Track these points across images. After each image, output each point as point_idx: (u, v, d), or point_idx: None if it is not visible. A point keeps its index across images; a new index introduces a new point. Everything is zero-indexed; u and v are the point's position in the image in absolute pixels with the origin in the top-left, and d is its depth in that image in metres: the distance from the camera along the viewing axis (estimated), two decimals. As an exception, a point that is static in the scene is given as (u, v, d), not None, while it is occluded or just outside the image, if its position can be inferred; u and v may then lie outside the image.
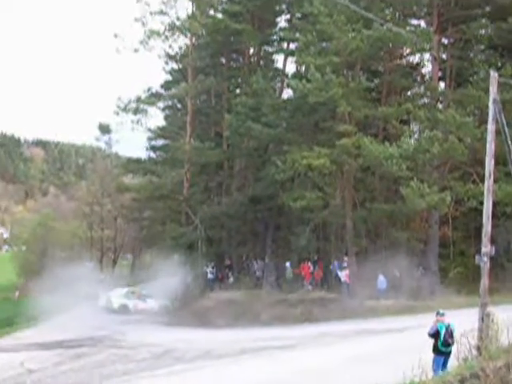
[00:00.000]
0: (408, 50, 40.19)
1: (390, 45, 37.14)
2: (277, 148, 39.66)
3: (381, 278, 33.88)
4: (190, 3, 46.75)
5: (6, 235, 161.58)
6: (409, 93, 42.76)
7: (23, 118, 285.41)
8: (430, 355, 14.61)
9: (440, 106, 37.45)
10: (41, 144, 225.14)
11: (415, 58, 42.51)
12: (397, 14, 39.61)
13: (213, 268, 45.18)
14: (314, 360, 19.61)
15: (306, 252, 40.45)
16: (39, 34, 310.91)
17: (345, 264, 36.64)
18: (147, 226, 62.94)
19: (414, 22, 40.31)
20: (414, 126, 40.40)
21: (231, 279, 44.19)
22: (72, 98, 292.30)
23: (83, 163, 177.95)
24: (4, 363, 23.02)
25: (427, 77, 40.72)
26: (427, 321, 16.08)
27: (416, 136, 37.98)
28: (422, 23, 39.98)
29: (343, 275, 36.19)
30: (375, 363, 17.41)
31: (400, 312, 30.22)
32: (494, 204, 17.63)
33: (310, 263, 39.27)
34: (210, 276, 44.84)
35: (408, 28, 36.46)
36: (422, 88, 41.21)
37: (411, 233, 36.50)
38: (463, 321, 14.66)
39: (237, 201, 44.13)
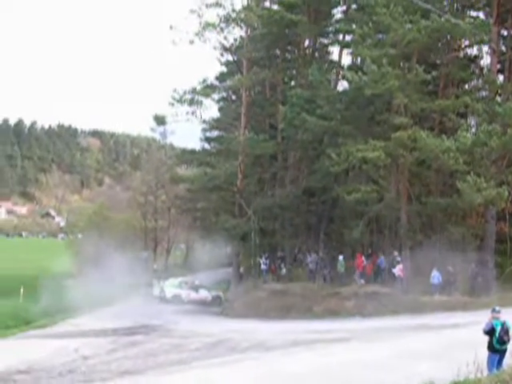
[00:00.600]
0: (466, 42, 39.50)
1: (448, 36, 36.59)
2: (331, 140, 39.46)
3: (435, 272, 33.45)
4: (246, -5, 46.84)
5: (62, 223, 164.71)
6: (466, 85, 42.06)
7: (80, 108, 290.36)
8: (484, 353, 14.39)
9: (499, 98, 36.66)
10: (97, 134, 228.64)
11: (473, 50, 41.69)
12: (455, 5, 38.99)
13: (266, 259, 45.26)
14: (367, 354, 19.51)
15: (359, 245, 40.25)
16: (98, 25, 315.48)
17: (398, 258, 36.30)
18: (201, 216, 63.45)
19: (473, 13, 39.62)
20: (472, 120, 39.70)
21: (283, 271, 44.23)
22: (128, 89, 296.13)
23: (138, 154, 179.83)
24: (59, 349, 23.43)
25: (485, 69, 39.92)
26: (482, 317, 15.84)
27: (473, 129, 37.29)
28: (481, 14, 39.25)
29: (397, 270, 35.88)
30: (429, 359, 17.25)
31: (454, 308, 29.82)
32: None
33: (363, 257, 38.93)
34: (263, 267, 44.95)
35: (466, 19, 35.73)
36: (481, 81, 40.47)
37: (467, 228, 35.88)
38: (519, 318, 14.41)
39: (290, 193, 44.11)
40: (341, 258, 39.32)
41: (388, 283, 35.67)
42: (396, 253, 37.00)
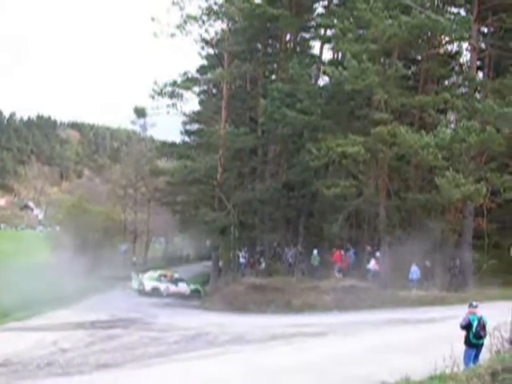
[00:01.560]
0: (446, 39, 39.70)
1: (429, 32, 36.78)
2: (311, 135, 39.55)
3: (414, 267, 33.71)
4: (228, -12, 46.71)
5: (40, 216, 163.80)
6: (446, 82, 42.37)
7: (59, 100, 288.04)
8: (461, 347, 14.53)
9: (478, 95, 36.95)
10: (76, 126, 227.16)
11: (453, 47, 42.01)
12: (436, 2, 39.19)
13: (245, 253, 45.28)
14: (344, 347, 19.64)
15: (338, 240, 40.40)
16: (78, 15, 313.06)
17: (377, 254, 36.52)
18: (180, 209, 63.41)
19: (454, 9, 39.87)
20: (451, 116, 39.98)
21: (263, 265, 44.30)
22: (108, 81, 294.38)
23: (118, 146, 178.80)
24: (37, 342, 23.35)
25: (465, 66, 40.24)
26: (459, 312, 15.99)
27: (453, 126, 37.54)
28: (462, 11, 39.53)
29: (372, 264, 36.13)
30: (406, 353, 17.39)
31: (432, 303, 30.08)
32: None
33: (342, 251, 39.11)
34: (242, 260, 44.97)
35: (447, 16, 35.99)
36: (460, 77, 40.76)
37: (445, 223, 36.16)
38: (496, 313, 14.53)
39: (270, 187, 44.17)
40: (315, 252, 39.54)
41: (365, 278, 35.88)
42: (369, 247, 37.21)
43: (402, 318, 26.26)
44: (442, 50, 40.80)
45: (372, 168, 36.88)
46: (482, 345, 14.82)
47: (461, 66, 41.64)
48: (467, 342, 14.83)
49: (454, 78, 41.90)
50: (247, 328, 25.97)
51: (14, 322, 29.65)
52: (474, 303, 15.31)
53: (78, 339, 24.19)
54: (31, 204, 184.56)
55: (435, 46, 39.35)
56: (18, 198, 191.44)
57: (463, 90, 39.42)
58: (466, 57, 40.72)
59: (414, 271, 33.77)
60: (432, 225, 35.83)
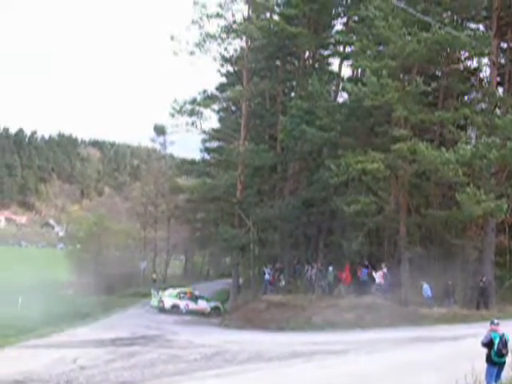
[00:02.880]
0: (466, 54, 39.55)
1: (448, 49, 36.64)
2: (331, 152, 39.50)
3: (424, 285, 33.51)
4: (247, 6, 47.02)
5: (61, 233, 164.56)
6: (466, 98, 42.12)
7: (80, 118, 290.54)
8: (483, 365, 14.36)
9: (498, 111, 36.73)
10: (97, 144, 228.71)
11: (473, 63, 41.80)
12: (455, 18, 39.10)
13: (271, 270, 44.86)
14: (365, 365, 19.48)
15: (358, 257, 40.19)
16: (99, 34, 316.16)
17: (384, 269, 36.35)
18: (200, 227, 63.54)
19: (473, 25, 39.73)
20: (472, 132, 39.72)
21: (283, 282, 44.10)
22: (129, 100, 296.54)
23: (138, 164, 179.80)
24: (57, 359, 23.39)
25: (485, 82, 40.00)
26: (481, 330, 15.82)
27: (473, 142, 37.32)
28: (481, 27, 39.39)
29: (378, 276, 35.96)
30: (427, 371, 17.21)
31: (453, 320, 29.79)
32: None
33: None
34: (266, 277, 44.50)
35: (466, 32, 35.87)
36: (480, 93, 40.51)
37: (467, 240, 35.83)
38: (518, 331, 14.38)
39: (290, 204, 44.07)
40: (330, 269, 39.44)
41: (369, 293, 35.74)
42: (383, 265, 37.01)
43: (424, 335, 26.03)
44: (461, 66, 40.64)
45: (392, 184, 36.68)
46: (504, 363, 14.66)
47: (480, 81, 41.40)
48: (489, 359, 14.67)
49: (473, 94, 41.61)
50: (267, 346, 25.87)
51: (35, 339, 29.74)
52: (496, 321, 15.17)
53: (98, 356, 24.20)
54: (52, 222, 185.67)
55: (455, 61, 39.19)
56: (39, 215, 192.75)
57: (483, 105, 39.12)
58: (485, 72, 40.46)
59: (426, 289, 33.57)
60: (453, 241, 35.58)
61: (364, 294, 35.65)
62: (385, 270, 36.06)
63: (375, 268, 37.12)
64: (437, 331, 27.20)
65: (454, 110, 35.17)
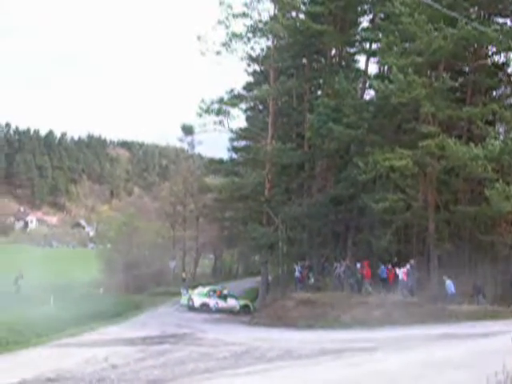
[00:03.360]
0: (493, 49, 39.28)
1: (475, 44, 36.42)
2: (358, 149, 39.46)
3: (447, 281, 33.33)
4: (272, 5, 47.10)
5: (91, 233, 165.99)
6: (494, 93, 41.82)
7: (109, 119, 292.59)
8: (514, 362, 14.27)
9: (527, 106, 36.47)
10: (126, 145, 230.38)
11: (501, 57, 41.47)
12: (482, 13, 38.84)
13: (301, 267, 44.87)
14: (394, 363, 19.41)
15: (387, 254, 40.09)
16: (127, 36, 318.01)
17: (407, 265, 36.24)
18: (228, 226, 63.76)
19: (500, 20, 39.41)
20: (500, 127, 39.43)
21: (311, 280, 44.13)
22: (157, 100, 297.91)
23: (167, 164, 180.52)
24: (89, 358, 23.58)
25: (513, 76, 39.75)
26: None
27: (502, 137, 37.04)
28: (508, 21, 39.08)
29: (401, 272, 35.85)
30: (457, 368, 17.12)
31: (483, 317, 29.55)
32: None
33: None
34: (297, 274, 44.47)
35: (493, 27, 35.59)
36: (508, 88, 40.23)
37: (496, 236, 35.59)
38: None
39: (317, 202, 44.10)
40: (358, 265, 39.42)
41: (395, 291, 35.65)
42: (412, 261, 36.88)
43: (453, 332, 25.87)
44: (489, 61, 40.33)
45: (420, 181, 36.55)
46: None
47: (508, 76, 41.04)
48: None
49: (501, 89, 41.32)
50: (296, 343, 25.89)
51: (67, 338, 30.03)
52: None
53: (129, 355, 24.38)
54: (82, 222, 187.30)
55: (482, 57, 38.91)
56: (70, 216, 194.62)
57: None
58: (513, 67, 40.24)
59: (449, 285, 33.38)
60: (482, 238, 35.36)
61: (386, 291, 35.71)
62: (408, 267, 35.96)
63: (398, 265, 37.04)
64: (466, 328, 27.00)
65: (482, 106, 34.96)
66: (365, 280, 38.53)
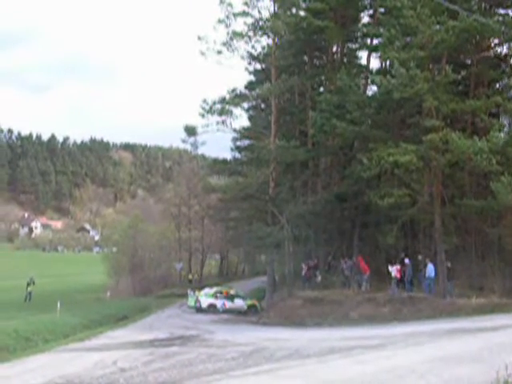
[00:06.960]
0: (496, 41, 39.06)
1: (477, 36, 36.21)
2: (362, 145, 39.31)
3: (429, 265, 33.50)
4: (272, 3, 46.90)
5: (96, 237, 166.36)
6: (497, 85, 41.59)
7: (111, 122, 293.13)
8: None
9: (531, 97, 36.23)
10: (129, 147, 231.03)
11: (503, 49, 41.21)
12: (483, 4, 38.65)
13: (307, 265, 44.63)
14: (404, 359, 19.30)
15: (393, 250, 39.95)
16: (128, 37, 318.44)
17: (406, 260, 36.23)
18: (234, 225, 63.59)
19: (502, 11, 39.18)
20: (504, 119, 39.22)
21: (318, 278, 43.98)
22: (158, 102, 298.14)
23: (170, 165, 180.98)
24: (97, 362, 23.51)
25: (516, 68, 39.51)
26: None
27: (506, 129, 36.83)
28: (510, 12, 38.84)
29: (394, 270, 35.80)
30: (466, 363, 17.01)
31: (493, 310, 29.43)
32: None
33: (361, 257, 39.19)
34: (304, 273, 44.25)
35: (495, 18, 35.38)
36: (512, 80, 40.01)
37: (503, 229, 35.44)
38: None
39: (322, 199, 43.95)
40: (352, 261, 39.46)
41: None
42: (420, 257, 36.71)
43: (462, 327, 25.75)
44: (491, 53, 40.10)
45: (425, 176, 36.37)
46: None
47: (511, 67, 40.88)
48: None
49: (505, 81, 41.07)
50: (305, 342, 25.78)
51: (75, 343, 29.97)
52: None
53: (137, 358, 24.30)
54: (87, 226, 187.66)
55: (484, 49, 38.70)
56: (74, 220, 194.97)
57: (515, 92, 38.67)
58: (516, 58, 40.01)
59: (430, 268, 33.39)
60: (489, 231, 35.19)
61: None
62: (398, 265, 36.01)
63: (391, 262, 37.02)
64: (476, 322, 26.87)
65: (485, 98, 34.75)
66: (364, 275, 38.46)
